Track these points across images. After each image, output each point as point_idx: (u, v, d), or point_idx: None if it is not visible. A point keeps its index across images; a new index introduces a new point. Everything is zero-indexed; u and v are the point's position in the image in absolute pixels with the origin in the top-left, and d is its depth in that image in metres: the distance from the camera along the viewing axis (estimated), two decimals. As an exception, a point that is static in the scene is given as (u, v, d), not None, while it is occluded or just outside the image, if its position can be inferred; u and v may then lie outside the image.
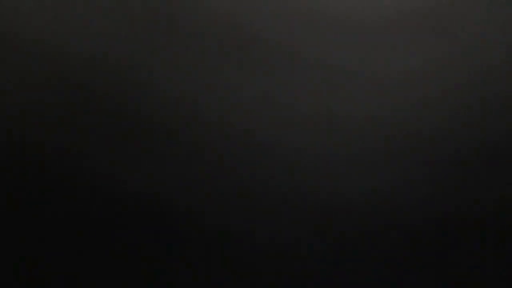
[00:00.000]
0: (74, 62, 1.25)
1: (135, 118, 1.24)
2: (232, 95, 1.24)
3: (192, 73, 1.25)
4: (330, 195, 1.22)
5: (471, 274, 1.20)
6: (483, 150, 1.22)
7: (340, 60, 1.25)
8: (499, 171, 1.22)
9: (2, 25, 1.26)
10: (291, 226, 1.22)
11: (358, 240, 1.21)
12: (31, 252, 1.22)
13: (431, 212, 1.21)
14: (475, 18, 1.25)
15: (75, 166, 1.23)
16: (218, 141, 1.24)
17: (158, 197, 1.23)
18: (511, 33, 1.24)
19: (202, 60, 1.25)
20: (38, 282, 1.21)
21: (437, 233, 1.21)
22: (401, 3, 1.26)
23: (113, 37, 1.26)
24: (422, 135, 1.23)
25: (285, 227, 1.22)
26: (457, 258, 1.20)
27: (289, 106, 1.24)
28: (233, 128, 1.24)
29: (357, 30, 1.26)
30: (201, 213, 1.22)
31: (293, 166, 1.23)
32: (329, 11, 1.26)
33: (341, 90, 1.24)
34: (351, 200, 1.22)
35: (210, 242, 1.22)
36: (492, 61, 1.24)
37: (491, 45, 1.24)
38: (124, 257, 1.21)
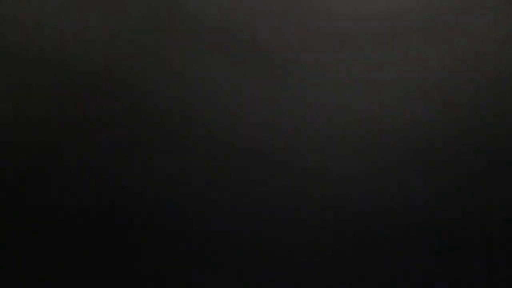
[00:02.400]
0: (72, 65, 1.26)
1: (134, 120, 1.25)
2: (230, 98, 1.25)
3: (192, 76, 1.25)
4: (330, 198, 1.22)
5: (468, 277, 1.20)
6: (483, 153, 1.22)
7: (340, 63, 1.25)
8: (500, 174, 1.21)
9: (1, 28, 1.27)
10: (288, 228, 1.22)
11: (356, 242, 1.21)
12: (30, 252, 1.22)
13: (432, 214, 1.21)
14: (475, 21, 1.25)
15: (74, 167, 1.24)
16: (215, 143, 1.24)
17: (158, 198, 1.23)
18: (511, 34, 1.24)
19: (202, 64, 1.26)
20: (36, 282, 1.21)
21: (437, 236, 1.21)
22: (401, 6, 1.26)
23: (112, 40, 1.26)
24: (422, 138, 1.23)
25: (282, 229, 1.22)
26: (457, 262, 1.20)
27: (287, 109, 1.24)
28: (231, 131, 1.24)
29: (357, 34, 1.26)
30: (199, 215, 1.22)
31: (291, 169, 1.23)
32: (328, 15, 1.26)
33: (341, 93, 1.25)
34: (350, 202, 1.22)
35: (209, 244, 1.22)
36: (495, 64, 1.24)
37: (491, 47, 1.24)
38: (124, 257, 1.22)
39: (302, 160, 1.23)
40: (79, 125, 1.25)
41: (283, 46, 1.25)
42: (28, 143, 1.25)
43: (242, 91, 1.25)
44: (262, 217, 1.22)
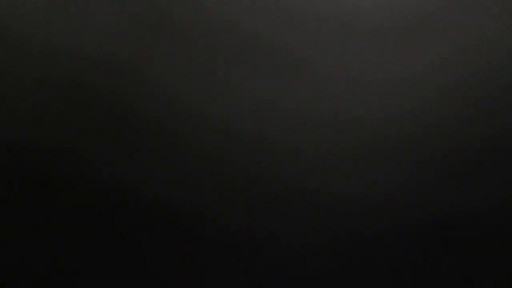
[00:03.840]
0: (76, 62, 1.25)
1: (137, 118, 1.24)
2: (233, 96, 1.25)
3: (194, 74, 1.25)
4: (331, 195, 1.22)
5: (467, 274, 1.20)
6: (482, 150, 1.23)
7: (341, 62, 1.25)
8: (497, 170, 1.22)
9: (2, 25, 1.27)
10: (291, 224, 1.22)
11: (356, 238, 1.21)
12: (31, 252, 1.22)
13: (431, 211, 1.22)
14: (474, 19, 1.25)
15: (75, 165, 1.23)
16: (219, 141, 1.24)
17: (159, 195, 1.23)
18: (511, 33, 1.25)
19: (204, 62, 1.25)
20: (36, 282, 1.21)
21: (436, 233, 1.21)
22: (401, 6, 1.26)
23: (115, 38, 1.26)
24: (422, 136, 1.23)
25: (285, 225, 1.22)
26: (454, 258, 1.21)
27: (289, 106, 1.24)
28: (234, 128, 1.24)
29: (357, 33, 1.26)
30: (202, 213, 1.22)
31: (293, 166, 1.23)
32: (330, 14, 1.26)
33: (342, 91, 1.25)
34: (351, 199, 1.22)
35: (210, 242, 1.22)
36: (491, 62, 1.24)
37: (491, 45, 1.24)
38: (125, 257, 1.22)
39: (303, 156, 1.23)
40: (80, 123, 1.25)
41: (287, 44, 1.25)
42: (28, 141, 1.24)
43: (246, 89, 1.25)
44: (263, 211, 1.22)
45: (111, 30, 1.26)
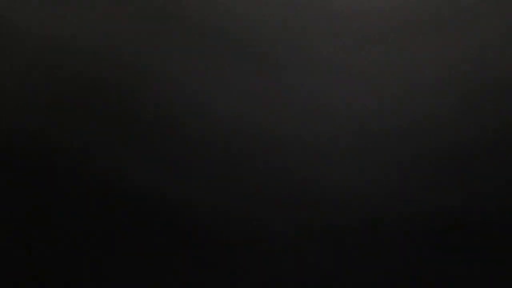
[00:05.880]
0: (78, 58, 1.25)
1: (141, 114, 1.24)
2: (236, 91, 1.25)
3: (199, 69, 1.25)
4: (335, 188, 1.22)
5: (462, 272, 1.20)
6: (481, 149, 1.23)
7: (342, 62, 1.26)
8: (495, 168, 1.22)
9: (3, 21, 1.26)
10: (287, 217, 1.22)
11: (350, 233, 1.22)
12: (33, 250, 1.21)
13: (429, 206, 1.22)
14: (475, 19, 1.26)
15: (77, 161, 1.23)
16: (221, 135, 1.24)
17: (162, 192, 1.22)
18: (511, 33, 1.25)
19: (208, 57, 1.25)
20: (36, 282, 1.21)
21: (430, 229, 1.21)
22: (401, 6, 1.26)
23: (118, 34, 1.26)
24: (421, 132, 1.24)
25: (286, 222, 1.22)
26: (451, 256, 1.21)
27: (291, 102, 1.25)
28: (235, 124, 1.24)
29: (357, 32, 1.26)
30: (204, 210, 1.22)
31: (293, 160, 1.23)
32: (333, 12, 1.27)
33: (343, 88, 1.25)
34: (350, 193, 1.22)
35: (210, 240, 1.22)
36: (492, 62, 1.25)
37: (492, 45, 1.25)
38: (128, 255, 1.21)
39: (304, 149, 1.23)
40: (82, 119, 1.24)
41: (291, 42, 1.26)
42: (29, 137, 1.24)
43: (250, 84, 1.25)
44: (267, 206, 1.22)
45: (114, 26, 1.26)
